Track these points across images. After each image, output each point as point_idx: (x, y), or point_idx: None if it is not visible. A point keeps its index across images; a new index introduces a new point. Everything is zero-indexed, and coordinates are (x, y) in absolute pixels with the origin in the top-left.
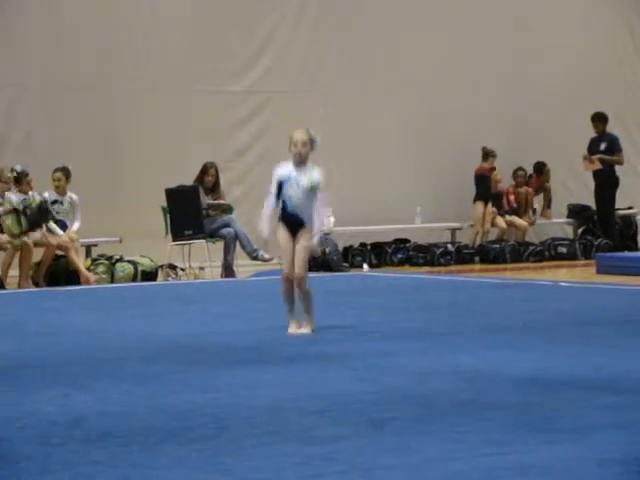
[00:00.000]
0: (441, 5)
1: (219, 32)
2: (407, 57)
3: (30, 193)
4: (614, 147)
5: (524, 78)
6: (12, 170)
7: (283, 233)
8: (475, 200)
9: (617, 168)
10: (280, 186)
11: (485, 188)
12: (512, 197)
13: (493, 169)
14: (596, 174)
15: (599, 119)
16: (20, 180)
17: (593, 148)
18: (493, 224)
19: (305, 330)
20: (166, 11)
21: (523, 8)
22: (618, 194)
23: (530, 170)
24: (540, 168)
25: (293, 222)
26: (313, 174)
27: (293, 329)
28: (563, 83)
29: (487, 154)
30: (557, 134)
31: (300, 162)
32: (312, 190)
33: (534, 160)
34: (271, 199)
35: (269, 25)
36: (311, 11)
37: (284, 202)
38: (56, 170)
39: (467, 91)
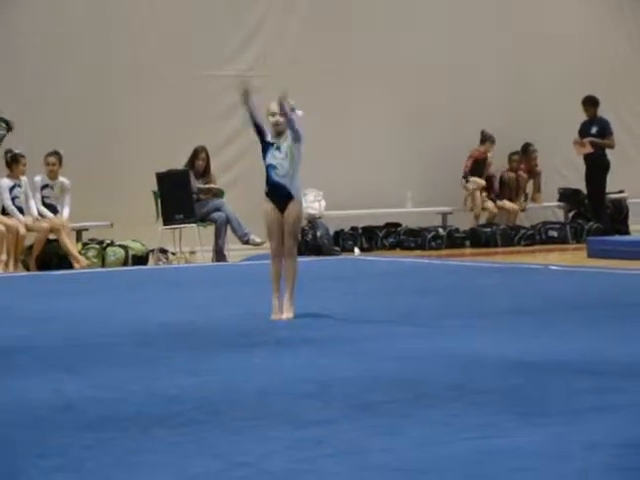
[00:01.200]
0: None
1: (210, 16)
2: (400, 42)
3: (21, 177)
4: (605, 131)
5: (516, 62)
6: (6, 152)
7: (269, 207)
8: (468, 181)
9: (608, 152)
10: (263, 148)
11: (479, 171)
12: (507, 180)
13: (485, 153)
14: (587, 158)
15: (590, 103)
16: (11, 165)
17: (584, 132)
18: (483, 208)
19: (287, 315)
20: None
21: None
22: (609, 178)
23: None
24: (525, 149)
25: (279, 194)
26: (288, 140)
27: (277, 315)
28: (554, 67)
29: (485, 138)
30: (548, 118)
31: (279, 132)
32: (293, 158)
33: (525, 142)
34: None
35: (261, 10)
36: None
37: (268, 172)
38: (50, 154)
39: (459, 76)
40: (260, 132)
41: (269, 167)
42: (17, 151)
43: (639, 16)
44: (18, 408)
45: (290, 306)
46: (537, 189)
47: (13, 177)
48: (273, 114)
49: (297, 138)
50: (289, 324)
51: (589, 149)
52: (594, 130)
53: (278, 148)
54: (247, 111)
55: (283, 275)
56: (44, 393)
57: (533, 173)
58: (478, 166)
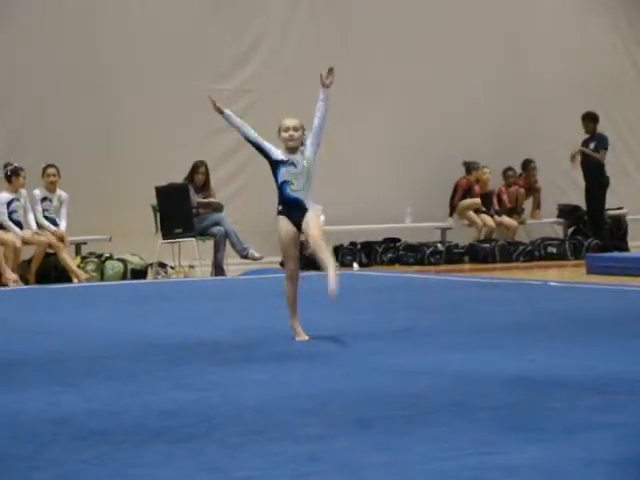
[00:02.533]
0: (428, 9)
1: (210, 30)
2: (396, 59)
3: (21, 191)
4: (599, 145)
5: (514, 78)
6: (6, 165)
7: (285, 226)
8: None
9: (607, 168)
10: (273, 168)
11: (469, 196)
12: (505, 197)
13: (469, 182)
14: (586, 175)
15: (589, 119)
16: (10, 178)
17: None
18: (471, 222)
19: (305, 337)
20: (157, 9)
21: (510, 11)
22: (609, 194)
23: (518, 170)
24: (526, 165)
25: (295, 207)
26: (306, 153)
27: (301, 336)
28: (553, 82)
29: (470, 168)
30: (547, 134)
31: (294, 147)
32: (310, 172)
33: (522, 160)
34: (248, 131)
35: (260, 24)
36: (303, 11)
37: (282, 188)
38: (49, 166)
39: (457, 91)
40: (261, 150)
41: (284, 184)
42: (16, 165)
43: (639, 31)
44: (14, 421)
45: (334, 278)
46: (537, 205)
47: (12, 191)
48: (287, 129)
49: (318, 138)
50: (286, 339)
51: (577, 160)
52: (592, 146)
53: (293, 164)
54: (231, 124)
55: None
56: (40, 406)
57: (533, 189)
58: (466, 194)
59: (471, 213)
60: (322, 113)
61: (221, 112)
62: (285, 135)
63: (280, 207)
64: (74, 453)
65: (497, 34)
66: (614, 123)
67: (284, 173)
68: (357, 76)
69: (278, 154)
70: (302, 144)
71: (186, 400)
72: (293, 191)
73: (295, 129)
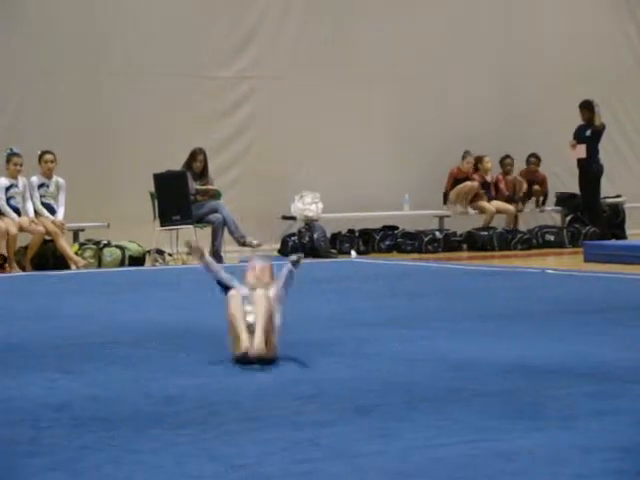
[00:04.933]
0: None
1: (208, 17)
2: (395, 45)
3: (19, 178)
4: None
5: (512, 66)
6: (5, 151)
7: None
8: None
9: (602, 156)
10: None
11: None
12: (502, 185)
13: (462, 171)
14: (579, 164)
15: (585, 107)
16: (7, 163)
17: (579, 135)
18: (482, 210)
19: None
20: None
21: (508, 2)
22: (607, 183)
23: (517, 158)
24: (527, 160)
25: None
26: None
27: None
28: (551, 70)
29: (464, 156)
30: (545, 122)
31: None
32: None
33: (522, 148)
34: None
35: (258, 11)
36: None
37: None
38: (47, 152)
39: (455, 79)
40: (224, 287)
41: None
42: (16, 150)
43: (639, 22)
44: (13, 406)
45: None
46: (544, 195)
47: (9, 177)
48: (253, 269)
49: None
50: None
51: (582, 154)
52: (588, 133)
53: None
54: (208, 270)
55: None
56: (39, 392)
57: (537, 181)
58: (459, 182)
59: (483, 202)
60: (289, 279)
61: (203, 259)
62: (248, 279)
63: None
64: (73, 439)
65: (498, 22)
66: (613, 112)
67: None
68: (356, 64)
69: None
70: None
71: (185, 386)
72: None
73: (258, 278)
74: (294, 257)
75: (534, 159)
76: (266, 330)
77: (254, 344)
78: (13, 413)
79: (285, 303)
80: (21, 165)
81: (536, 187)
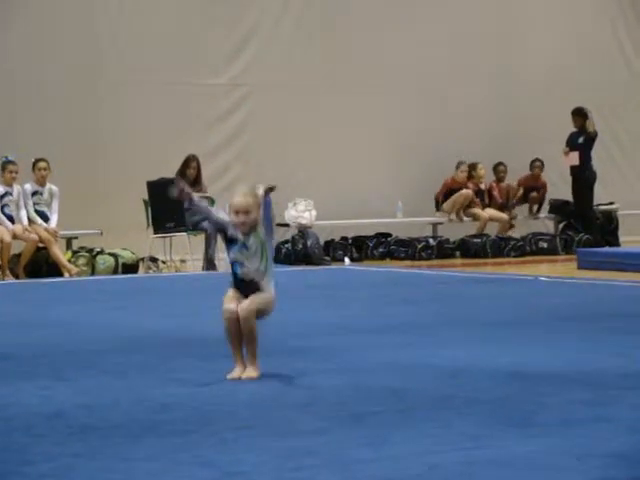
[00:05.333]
0: (426, 7)
1: (202, 25)
2: (389, 54)
3: (14, 186)
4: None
5: (505, 73)
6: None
7: (229, 293)
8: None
9: (596, 163)
10: (226, 241)
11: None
12: (496, 192)
13: (457, 182)
14: (572, 171)
15: (578, 114)
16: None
17: (572, 142)
18: (475, 218)
19: (251, 374)
20: (149, 3)
21: (506, 4)
22: (600, 189)
23: (512, 165)
24: (531, 164)
25: (246, 287)
26: (259, 234)
27: (236, 373)
28: (544, 77)
29: (458, 166)
30: (539, 129)
31: (245, 232)
32: (264, 249)
33: (515, 155)
34: (208, 214)
35: (252, 19)
36: (294, 6)
37: (233, 266)
38: (40, 160)
39: (448, 87)
40: (219, 228)
41: (234, 264)
42: (11, 158)
43: (633, 31)
44: (5, 414)
45: (254, 369)
46: (540, 203)
47: (4, 184)
48: (237, 212)
49: (270, 232)
50: (278, 334)
51: (575, 161)
52: (581, 140)
53: (244, 245)
54: (195, 211)
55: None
56: (33, 400)
57: (537, 187)
58: (452, 192)
59: (476, 209)
60: (271, 215)
61: (190, 199)
62: (235, 220)
63: (231, 279)
64: (66, 447)
65: (495, 33)
66: (605, 119)
67: (235, 253)
68: (351, 72)
69: (232, 231)
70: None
71: (179, 394)
72: (245, 275)
73: (246, 212)
74: (268, 186)
75: (539, 163)
76: (253, 351)
77: (245, 369)
78: (6, 421)
79: (273, 235)
80: (16, 172)
81: (534, 194)
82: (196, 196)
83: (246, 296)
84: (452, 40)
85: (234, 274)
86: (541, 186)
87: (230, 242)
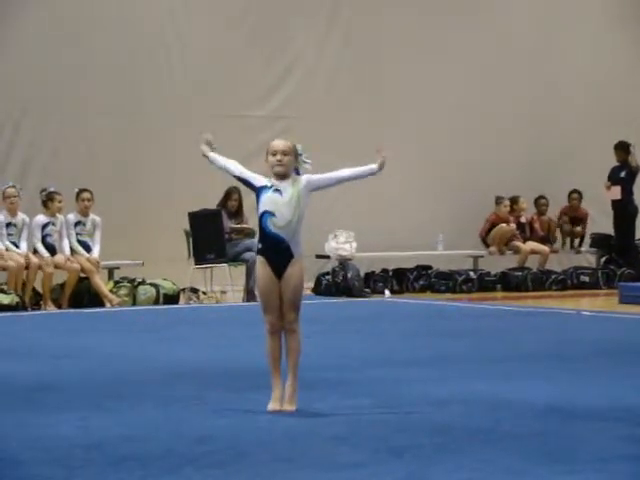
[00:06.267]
0: (460, 40)
1: (241, 58)
2: (425, 88)
3: (58, 215)
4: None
5: (545, 109)
6: (42, 190)
7: (263, 272)
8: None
9: (637, 197)
10: (257, 196)
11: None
12: (537, 225)
13: (500, 217)
14: (614, 204)
15: (621, 148)
16: (46, 203)
17: (614, 176)
18: (516, 251)
19: (288, 408)
20: (189, 36)
21: (537, 40)
22: None
23: (552, 199)
24: (568, 196)
25: (276, 250)
26: (301, 184)
27: (275, 405)
28: (584, 112)
29: (497, 202)
30: (579, 163)
31: (282, 174)
32: (300, 206)
33: (556, 188)
34: (231, 167)
35: (294, 51)
36: (334, 40)
37: (262, 220)
38: (82, 190)
39: (488, 119)
40: (245, 182)
41: (264, 215)
42: (52, 189)
43: None
44: (46, 445)
45: (293, 396)
46: (582, 236)
47: (49, 215)
48: (275, 153)
49: (329, 182)
50: (317, 366)
51: (617, 195)
52: (623, 174)
53: (278, 191)
54: (216, 164)
55: (285, 354)
56: (72, 430)
57: (578, 220)
58: (493, 227)
59: (516, 242)
60: (357, 174)
61: (206, 155)
62: (272, 160)
63: (259, 245)
64: (105, 478)
65: (528, 62)
66: None
67: (266, 200)
68: (389, 104)
69: (262, 180)
70: (298, 173)
71: (217, 426)
72: (275, 226)
73: (284, 153)
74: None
75: (576, 195)
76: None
77: (285, 402)
78: (46, 452)
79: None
80: (60, 202)
81: (578, 229)
82: (213, 154)
83: (278, 272)
84: (489, 71)
85: (262, 230)
86: (583, 216)
87: (260, 190)
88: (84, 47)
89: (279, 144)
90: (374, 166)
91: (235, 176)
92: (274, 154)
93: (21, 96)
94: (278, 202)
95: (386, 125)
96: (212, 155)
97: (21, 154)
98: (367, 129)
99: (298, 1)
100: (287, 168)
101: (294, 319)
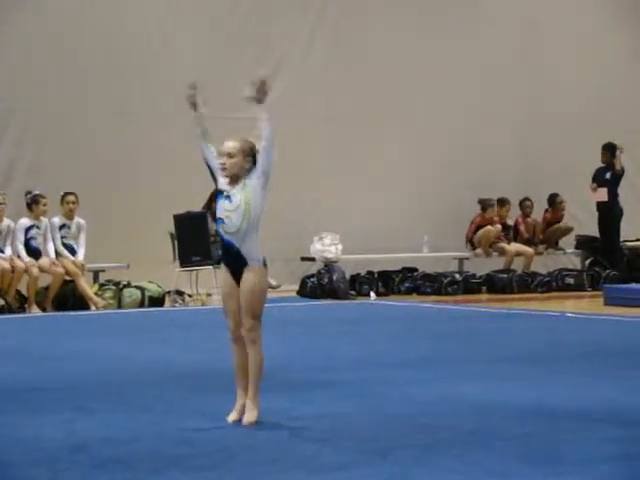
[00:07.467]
0: (453, 37)
1: (228, 59)
2: (414, 88)
3: (42, 219)
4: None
5: (532, 112)
6: (27, 193)
7: (224, 276)
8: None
9: (622, 199)
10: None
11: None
12: (522, 227)
13: (485, 220)
14: (598, 206)
15: (608, 149)
16: (31, 206)
17: (599, 178)
18: (502, 253)
19: (249, 418)
20: (176, 38)
21: (535, 42)
22: (627, 225)
23: (537, 201)
24: (552, 199)
25: (229, 255)
26: (248, 187)
27: (235, 415)
28: (571, 115)
29: (485, 206)
30: (565, 164)
31: (228, 177)
32: (248, 211)
33: (541, 190)
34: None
35: (278, 54)
36: (320, 42)
37: (217, 229)
38: (69, 193)
39: (473, 121)
40: (211, 174)
41: (217, 221)
42: (37, 192)
43: None
44: (31, 447)
45: (253, 407)
46: (555, 241)
47: (33, 218)
48: (220, 155)
49: (264, 166)
50: (302, 368)
51: (603, 197)
52: (608, 176)
53: (228, 197)
54: (198, 126)
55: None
56: (57, 433)
57: (558, 222)
58: (481, 228)
59: (501, 244)
60: (264, 134)
61: (194, 108)
62: (218, 163)
63: (219, 250)
64: (91, 479)
65: (519, 66)
66: (632, 155)
67: (219, 207)
68: (375, 107)
69: (221, 182)
70: (247, 173)
71: (203, 428)
72: (226, 232)
73: (230, 155)
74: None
75: (559, 198)
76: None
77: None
78: (30, 454)
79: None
80: (44, 206)
81: (559, 225)
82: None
83: (236, 277)
84: (477, 74)
85: (219, 236)
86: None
87: (217, 195)
88: (70, 48)
89: (225, 146)
90: (260, 116)
91: (206, 164)
92: (219, 157)
93: (6, 96)
94: (227, 209)
95: (372, 126)
96: (198, 114)
97: (6, 155)
98: (352, 130)
99: (286, 2)
100: (232, 171)
101: (251, 327)
